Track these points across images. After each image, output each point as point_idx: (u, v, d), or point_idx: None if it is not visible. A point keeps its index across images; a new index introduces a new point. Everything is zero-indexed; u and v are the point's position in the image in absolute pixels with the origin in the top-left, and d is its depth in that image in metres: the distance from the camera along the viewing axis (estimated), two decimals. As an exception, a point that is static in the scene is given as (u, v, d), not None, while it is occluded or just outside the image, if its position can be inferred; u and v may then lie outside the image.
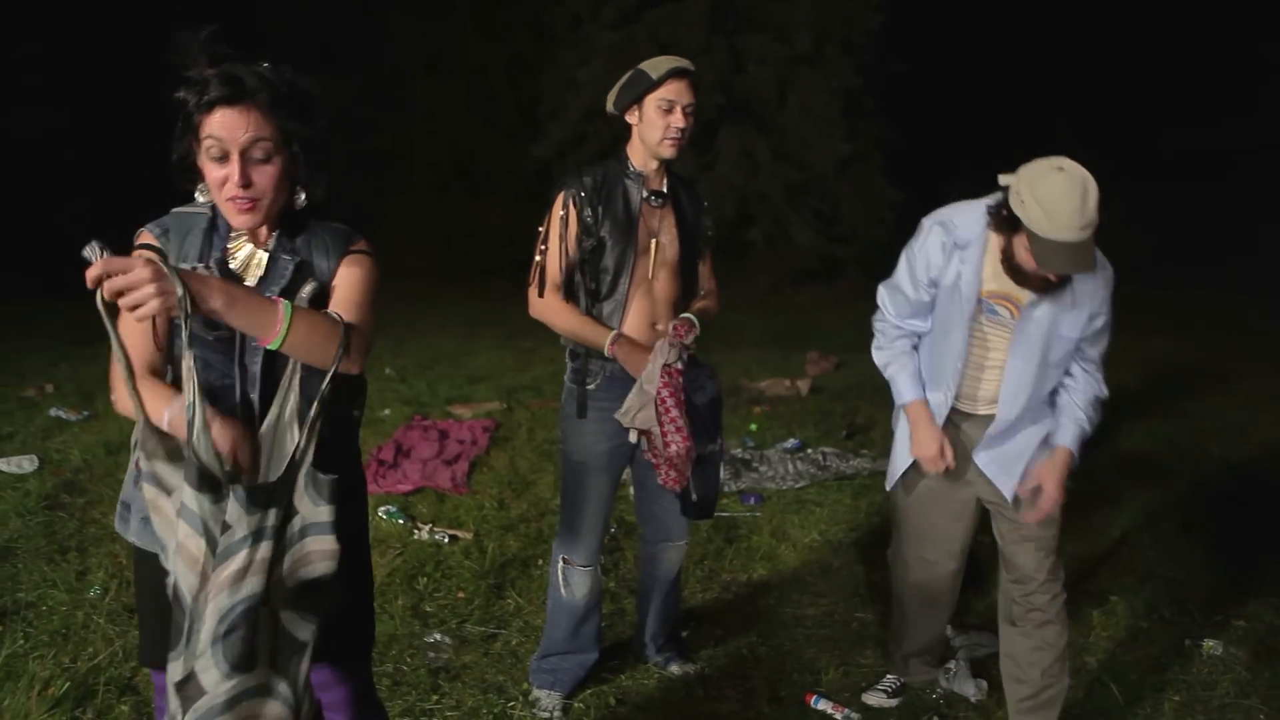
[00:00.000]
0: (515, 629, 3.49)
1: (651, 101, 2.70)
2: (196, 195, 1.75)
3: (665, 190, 2.83)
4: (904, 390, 2.78)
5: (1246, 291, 13.24)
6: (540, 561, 4.05)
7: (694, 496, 2.81)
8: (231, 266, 1.75)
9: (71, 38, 15.16)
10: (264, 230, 1.78)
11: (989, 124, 17.36)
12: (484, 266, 16.74)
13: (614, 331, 2.74)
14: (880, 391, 7.37)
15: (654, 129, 2.71)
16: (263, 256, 1.76)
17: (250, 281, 1.75)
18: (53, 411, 6.21)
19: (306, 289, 1.73)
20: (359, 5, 17.45)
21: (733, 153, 14.77)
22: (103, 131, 15.11)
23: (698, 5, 14.41)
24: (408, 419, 6.29)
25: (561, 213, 2.76)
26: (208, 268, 1.70)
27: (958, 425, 2.77)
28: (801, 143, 14.77)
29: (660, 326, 2.79)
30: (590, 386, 2.81)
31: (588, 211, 2.74)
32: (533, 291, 2.80)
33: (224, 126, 1.62)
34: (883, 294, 2.80)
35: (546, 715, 2.93)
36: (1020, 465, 2.69)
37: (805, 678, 3.21)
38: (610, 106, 2.80)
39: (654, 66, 2.71)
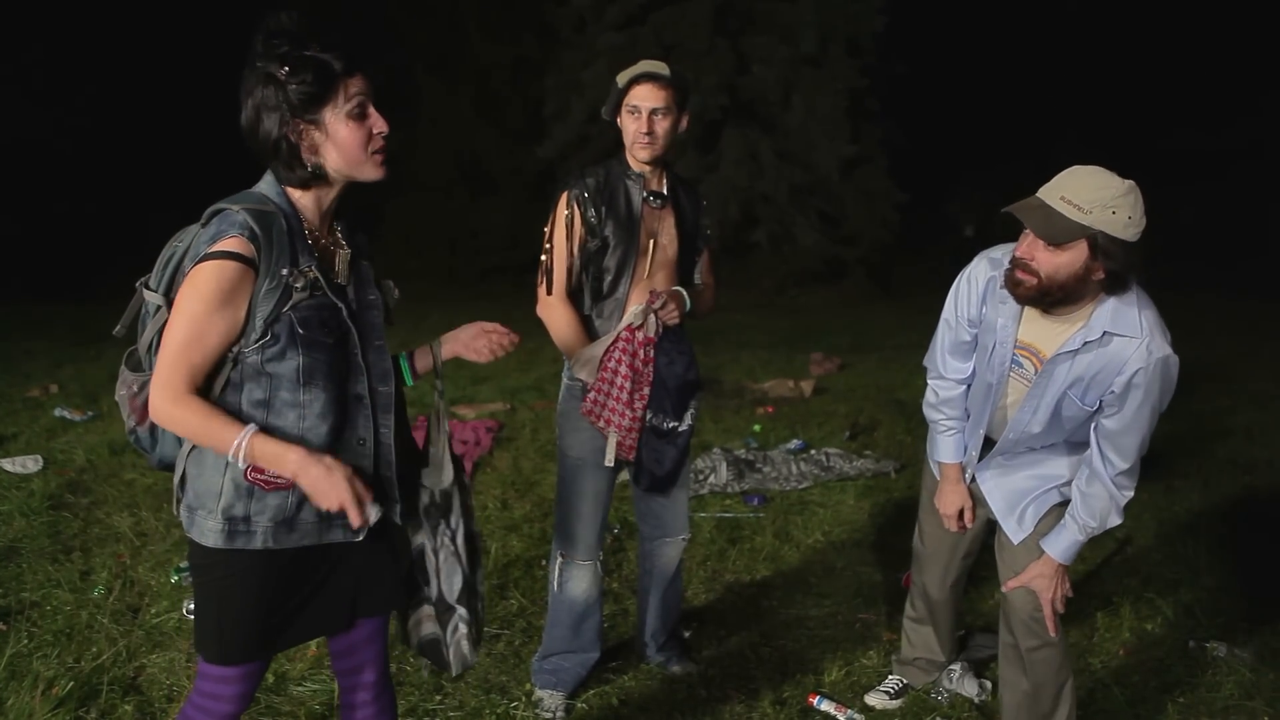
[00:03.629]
0: (518, 629, 3.49)
1: (623, 108, 2.77)
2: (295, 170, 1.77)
3: (665, 191, 2.87)
4: (944, 452, 2.82)
5: (1253, 293, 13.21)
6: (543, 562, 4.05)
7: (644, 467, 2.86)
8: (335, 269, 1.84)
9: (77, 38, 15.20)
10: (324, 224, 1.85)
11: (994, 125, 17.36)
12: (488, 268, 16.76)
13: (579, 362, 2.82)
14: (884, 393, 7.41)
15: (627, 134, 2.79)
16: (345, 255, 1.86)
17: (340, 282, 1.84)
18: (57, 412, 6.22)
19: (397, 291, 1.99)
20: (364, 6, 17.47)
21: (737, 154, 14.75)
22: (109, 133, 15.16)
23: (702, 7, 14.40)
24: (412, 420, 6.28)
25: (566, 213, 2.79)
26: (304, 272, 1.74)
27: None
28: (806, 144, 14.74)
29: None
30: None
31: (591, 212, 2.78)
32: (541, 290, 2.84)
33: (364, 84, 1.76)
34: (939, 337, 2.77)
35: (549, 715, 2.93)
36: (1022, 504, 2.66)
37: (808, 678, 3.20)
38: (604, 114, 2.86)
39: (624, 74, 2.78)
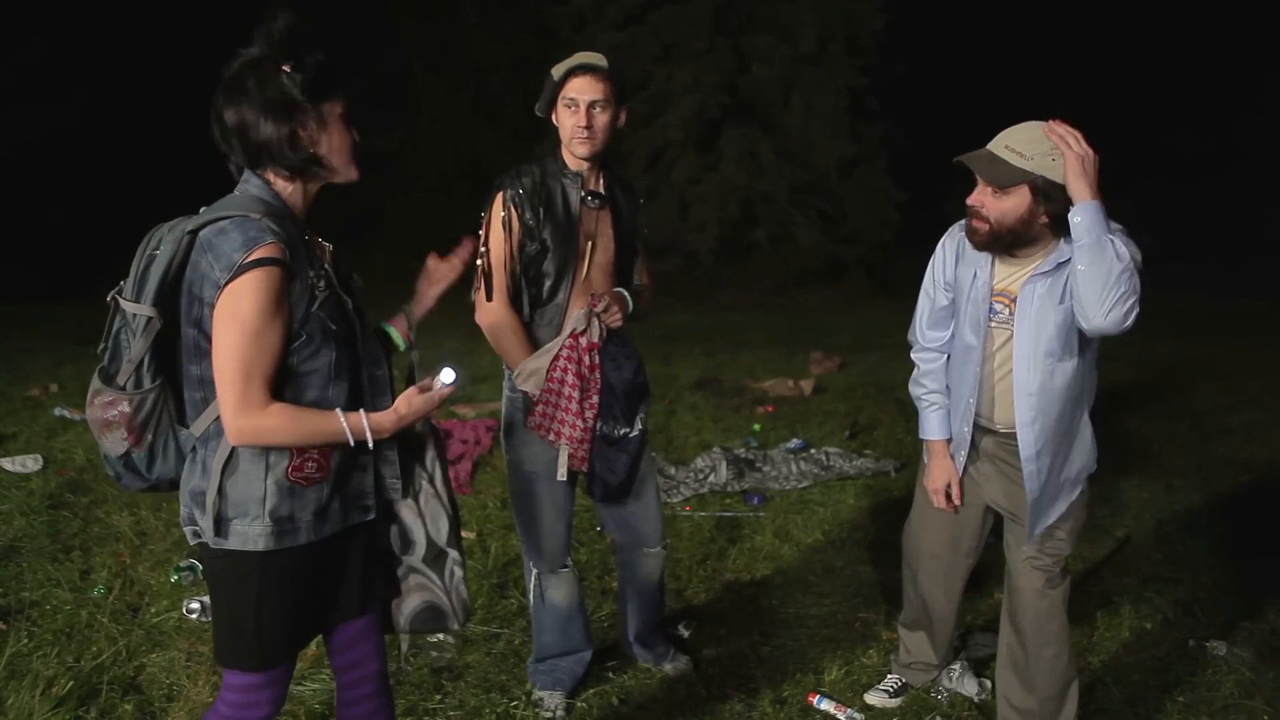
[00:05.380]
0: (518, 629, 3.49)
1: (559, 101, 2.68)
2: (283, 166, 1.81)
3: (603, 190, 2.79)
4: (930, 428, 2.86)
5: (1252, 293, 13.20)
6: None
7: (597, 476, 2.79)
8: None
9: (76, 36, 15.19)
10: (308, 222, 1.89)
11: (994, 124, 17.30)
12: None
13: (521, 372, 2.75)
14: (883, 392, 7.41)
15: (564, 129, 2.70)
16: (329, 250, 1.91)
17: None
18: (57, 411, 6.22)
19: (360, 281, 2.00)
20: (364, 6, 17.47)
21: (736, 153, 14.74)
22: (108, 132, 15.15)
23: (701, 6, 14.39)
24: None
25: (503, 214, 2.70)
26: (324, 270, 1.79)
27: (976, 443, 2.78)
28: (806, 143, 14.74)
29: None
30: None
31: (528, 214, 2.68)
32: (480, 296, 2.72)
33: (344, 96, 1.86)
34: (918, 307, 2.87)
35: (550, 715, 2.93)
36: (1055, 512, 2.64)
37: (808, 678, 3.20)
38: (537, 111, 2.75)
39: (559, 66, 2.68)
